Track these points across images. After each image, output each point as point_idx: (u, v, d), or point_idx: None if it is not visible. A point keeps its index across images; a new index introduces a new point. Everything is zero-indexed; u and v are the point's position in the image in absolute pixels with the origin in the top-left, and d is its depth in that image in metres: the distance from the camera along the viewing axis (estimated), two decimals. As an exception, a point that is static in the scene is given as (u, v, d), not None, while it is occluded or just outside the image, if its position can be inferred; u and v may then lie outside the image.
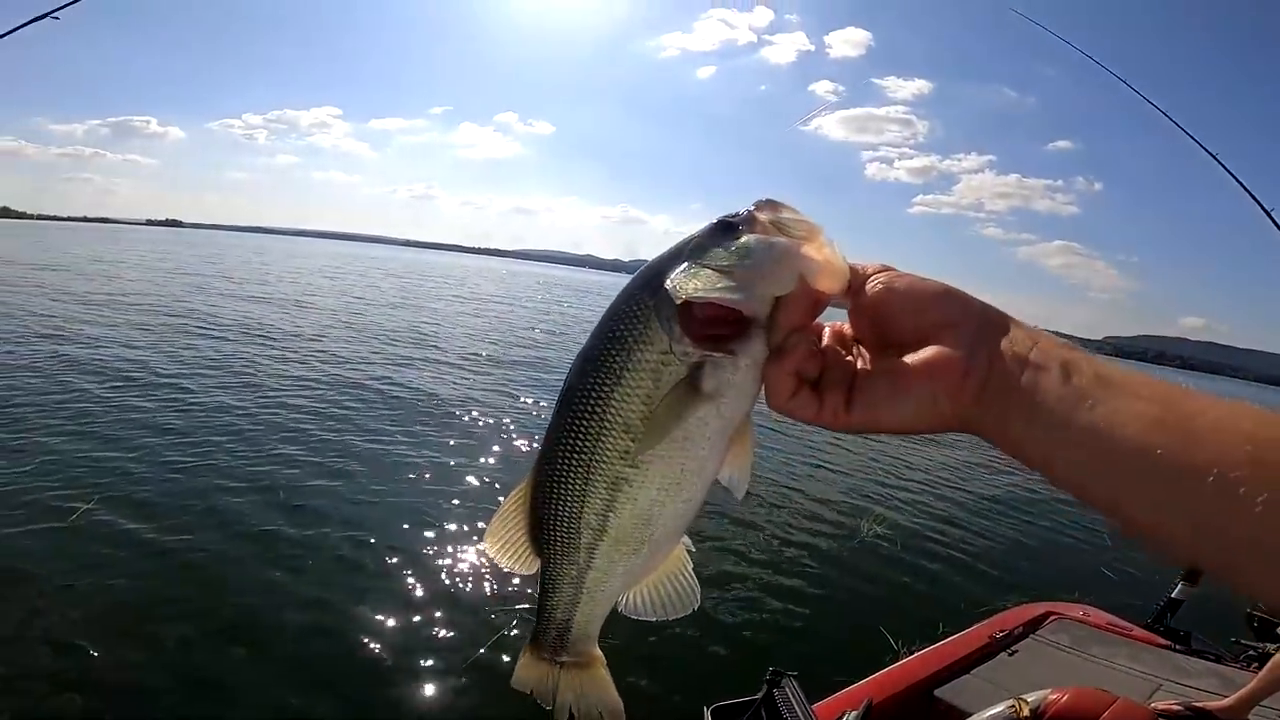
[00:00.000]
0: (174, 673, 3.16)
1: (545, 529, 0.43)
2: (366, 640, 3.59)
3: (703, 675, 3.43)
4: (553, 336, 19.94)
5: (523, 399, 10.43)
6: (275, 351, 11.64)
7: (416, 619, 3.88)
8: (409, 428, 7.96)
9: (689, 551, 0.47)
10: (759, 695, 1.67)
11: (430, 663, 3.49)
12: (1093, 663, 2.19)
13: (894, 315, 0.45)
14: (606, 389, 0.40)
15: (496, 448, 7.57)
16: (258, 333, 13.45)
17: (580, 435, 0.41)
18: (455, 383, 10.96)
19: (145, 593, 3.76)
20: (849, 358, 0.46)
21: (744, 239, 0.41)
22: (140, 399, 7.75)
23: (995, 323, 0.43)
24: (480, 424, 8.54)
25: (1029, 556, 6.26)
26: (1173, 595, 2.66)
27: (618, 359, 0.40)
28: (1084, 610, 2.55)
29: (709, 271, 0.40)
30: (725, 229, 0.43)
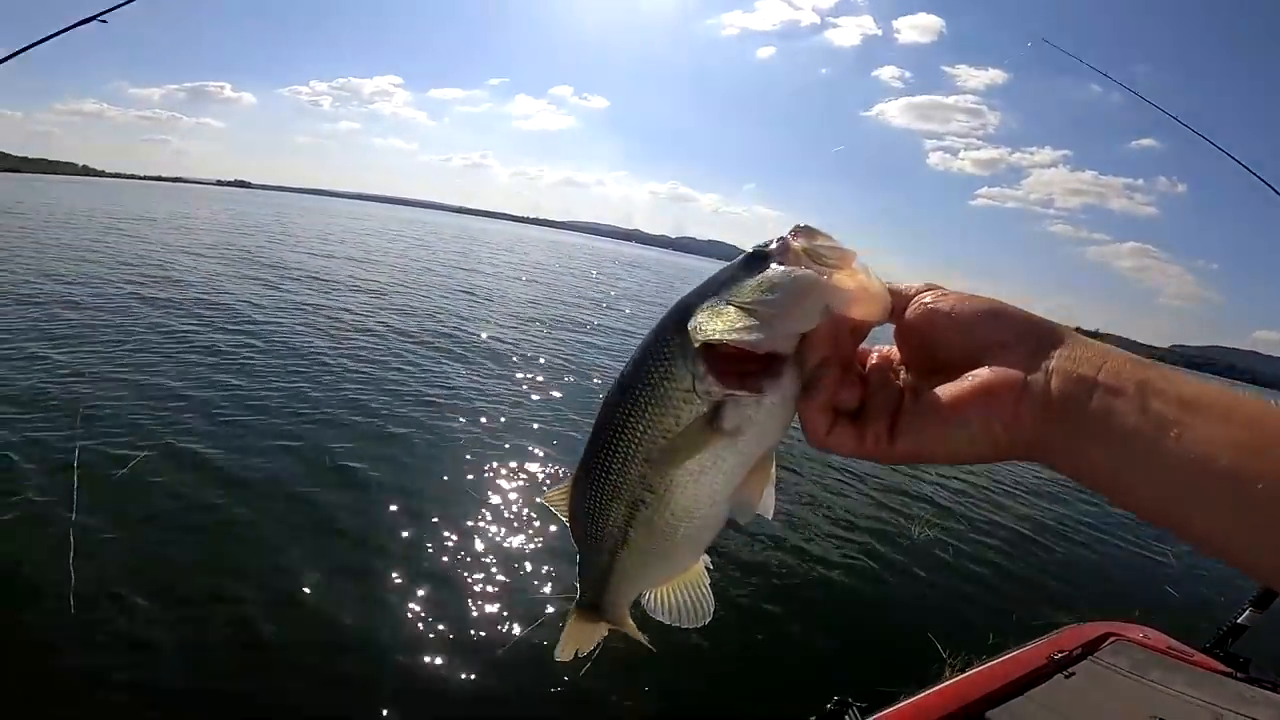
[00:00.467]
0: (219, 626, 3.19)
1: (579, 527, 0.48)
2: (414, 606, 3.61)
3: (747, 673, 3.37)
4: (602, 308, 20.08)
5: (573, 365, 10.61)
6: (340, 309, 12.10)
7: (464, 585, 3.92)
8: (465, 388, 8.21)
9: (708, 569, 0.49)
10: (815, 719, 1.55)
11: (474, 630, 3.49)
12: (1151, 689, 2.11)
13: (940, 337, 0.43)
14: (632, 422, 0.42)
15: (549, 412, 7.74)
16: (324, 290, 13.98)
17: (607, 459, 0.43)
18: (507, 347, 11.21)
19: (196, 545, 3.80)
20: (895, 384, 0.45)
21: (770, 271, 0.41)
22: (210, 348, 8.16)
23: (1054, 338, 0.40)
24: (534, 389, 8.74)
25: (1089, 569, 5.92)
26: (1238, 620, 2.54)
27: (643, 395, 0.41)
28: (1144, 632, 2.45)
29: (733, 309, 0.40)
30: (757, 260, 0.42)
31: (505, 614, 3.64)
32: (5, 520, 3.71)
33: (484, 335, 11.68)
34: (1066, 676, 2.17)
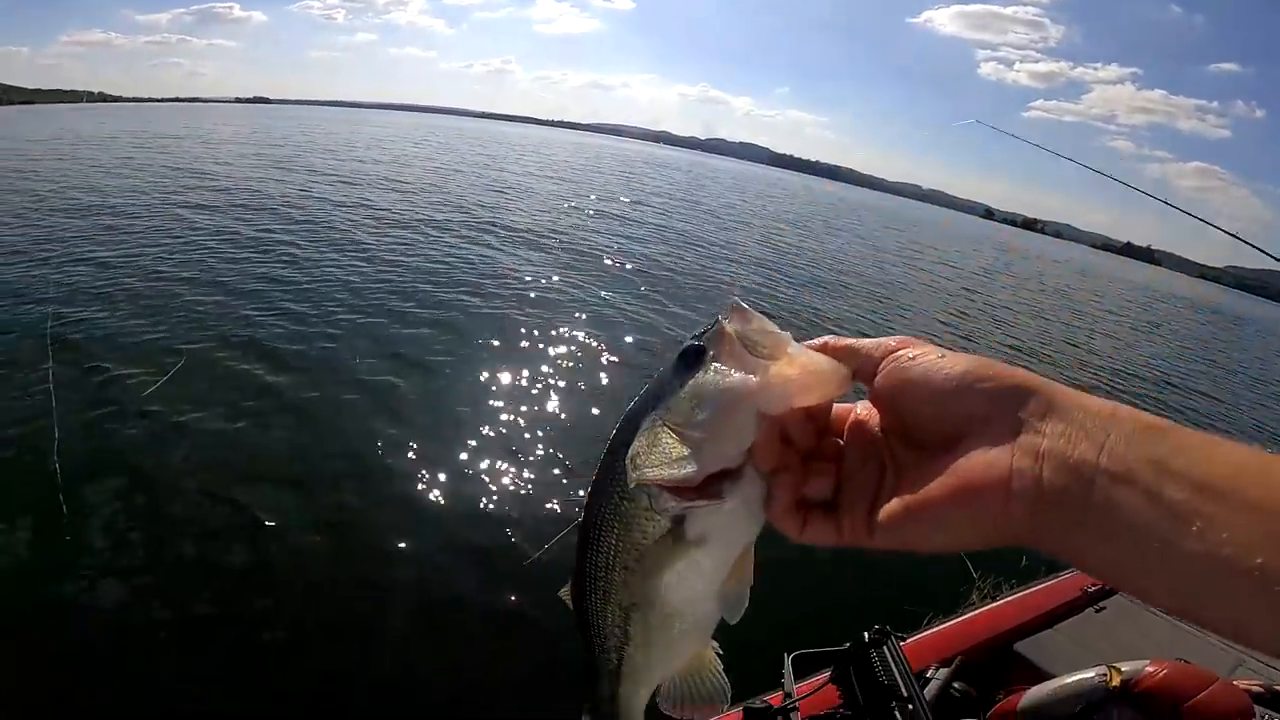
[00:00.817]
0: (305, 503, 3.35)
1: (584, 627, 0.47)
2: (477, 472, 3.76)
3: (781, 590, 3.14)
4: (633, 203, 19.60)
5: (609, 252, 10.63)
6: (377, 206, 12.10)
7: (529, 451, 4.07)
8: (507, 274, 8.31)
9: (718, 653, 0.48)
10: (849, 646, 1.52)
11: (543, 501, 3.60)
12: (1178, 629, 2.09)
13: (912, 408, 0.38)
14: (605, 535, 0.42)
15: (589, 297, 7.81)
16: (358, 190, 13.93)
17: (594, 567, 0.43)
18: (543, 238, 11.21)
19: (246, 434, 3.96)
20: (875, 459, 0.40)
21: (700, 380, 0.40)
22: (256, 245, 8.35)
23: (1040, 406, 0.34)
24: (573, 273, 8.79)
25: None
26: None
27: (609, 512, 0.42)
28: None
29: (666, 436, 0.40)
30: (691, 361, 0.41)
31: (571, 479, 3.80)
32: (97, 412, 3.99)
33: (519, 228, 11.64)
34: (1097, 610, 2.16)
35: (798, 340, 0.41)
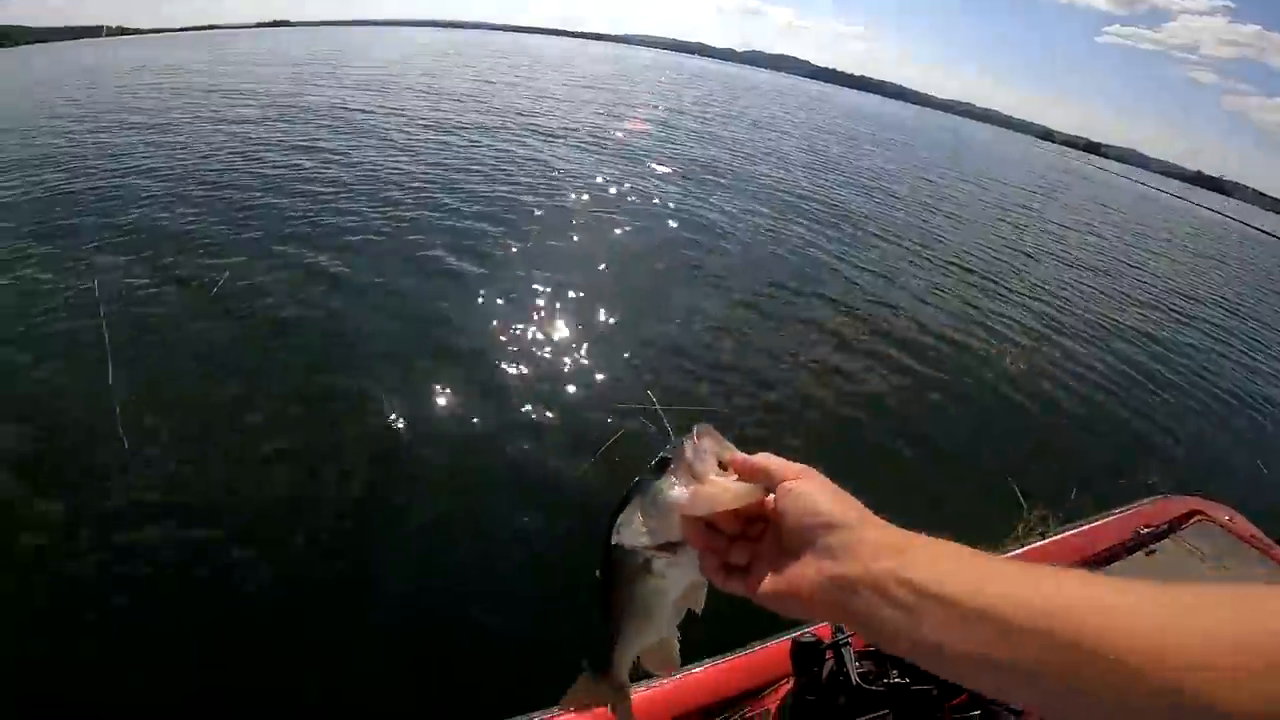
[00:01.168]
0: (343, 396, 3.47)
1: (601, 608, 0.66)
2: (523, 372, 3.83)
3: None
4: (673, 113, 18.98)
5: (654, 154, 10.50)
6: (416, 115, 11.95)
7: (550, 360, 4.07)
8: (559, 171, 8.34)
9: (679, 640, 0.67)
10: None
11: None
12: (1229, 579, 2.05)
13: (784, 524, 0.53)
14: (610, 561, 0.62)
15: (639, 202, 7.74)
16: (393, 101, 13.72)
17: (604, 576, 0.64)
18: (588, 142, 11.02)
19: (315, 321, 4.12)
20: (778, 543, 0.54)
21: (657, 487, 0.58)
22: (309, 148, 8.45)
23: (847, 540, 0.48)
24: (623, 171, 8.76)
25: (1183, 431, 5.06)
26: None
27: (613, 548, 0.61)
28: (1230, 514, 2.33)
29: (637, 517, 0.59)
30: (658, 469, 0.58)
31: (623, 364, 3.91)
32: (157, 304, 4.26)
33: (558, 132, 11.48)
34: (1148, 554, 2.11)
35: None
